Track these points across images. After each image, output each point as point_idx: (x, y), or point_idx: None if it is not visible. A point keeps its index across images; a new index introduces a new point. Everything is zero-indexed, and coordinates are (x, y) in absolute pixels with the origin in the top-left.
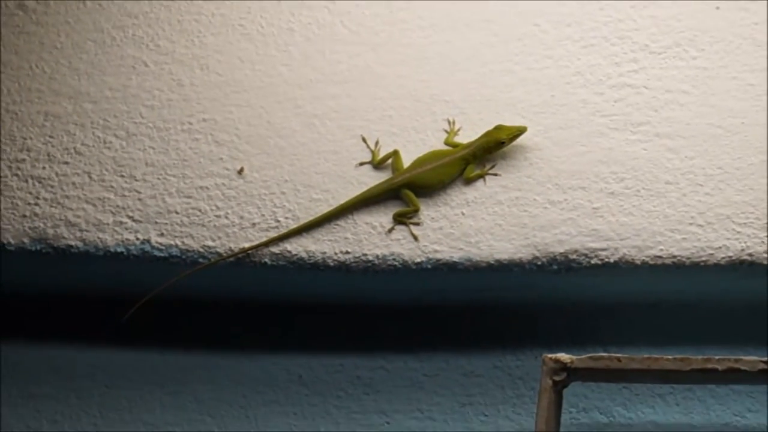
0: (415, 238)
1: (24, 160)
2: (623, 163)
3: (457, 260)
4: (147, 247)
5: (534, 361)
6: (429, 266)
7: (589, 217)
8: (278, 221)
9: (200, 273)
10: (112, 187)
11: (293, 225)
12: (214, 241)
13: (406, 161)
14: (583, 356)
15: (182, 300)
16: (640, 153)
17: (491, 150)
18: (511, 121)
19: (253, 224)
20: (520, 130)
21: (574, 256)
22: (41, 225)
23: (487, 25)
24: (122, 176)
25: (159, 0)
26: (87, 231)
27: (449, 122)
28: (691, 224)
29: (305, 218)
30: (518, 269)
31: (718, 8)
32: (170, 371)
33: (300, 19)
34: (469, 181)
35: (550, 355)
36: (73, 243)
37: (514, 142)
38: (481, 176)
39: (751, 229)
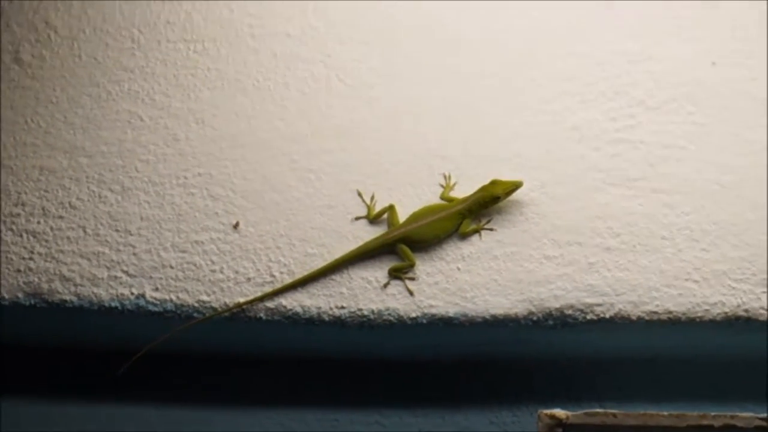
0: (411, 293)
1: (19, 214)
2: (619, 218)
3: (452, 315)
4: (142, 302)
5: (530, 417)
6: (424, 321)
7: (585, 273)
8: (273, 276)
9: (195, 327)
10: (107, 241)
11: (288, 280)
12: (209, 295)
13: (402, 216)
14: (579, 412)
15: (177, 354)
16: (636, 208)
17: (487, 205)
18: (507, 175)
19: (248, 279)
20: (516, 185)
21: (570, 312)
22: (36, 280)
23: (483, 79)
24: (117, 231)
25: (155, 54)
26: (82, 286)
27: (445, 177)
28: (687, 280)
29: (300, 273)
30: (514, 324)
31: (714, 64)
32: (165, 425)
33: (296, 73)
34: (464, 236)
35: (545, 411)
36: (67, 298)
37: (510, 197)
38: (477, 231)
39: (747, 285)
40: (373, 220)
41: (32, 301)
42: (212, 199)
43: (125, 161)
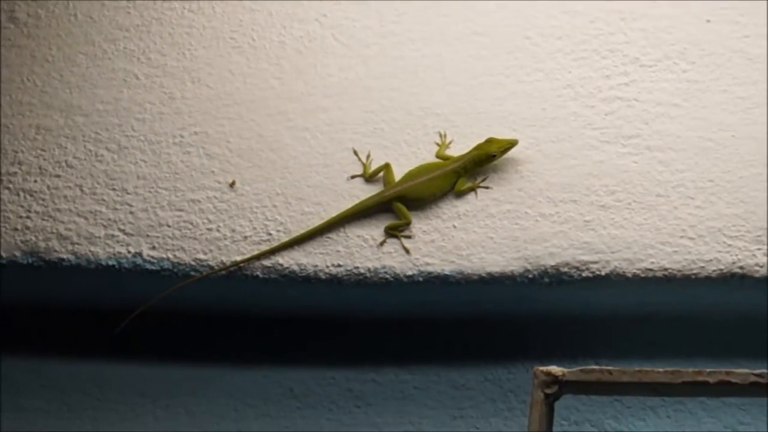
0: (407, 251)
1: (15, 173)
2: (614, 176)
3: (448, 273)
4: (139, 261)
5: (525, 374)
6: (420, 279)
7: (581, 230)
8: (270, 234)
9: (192, 286)
10: (103, 200)
11: (285, 238)
12: (205, 254)
13: (398, 174)
14: (575, 369)
15: (174, 313)
16: (630, 166)
17: (482, 163)
18: (502, 134)
19: (245, 237)
20: (511, 143)
21: (566, 269)
22: (33, 238)
23: (478, 38)
24: (114, 189)
25: (150, 13)
26: (78, 244)
27: (440, 135)
28: (682, 237)
29: (297, 231)
30: (510, 282)
31: (708, 21)
32: (162, 384)
33: (291, 32)
34: (460, 194)
35: (541, 368)
36: (64, 256)
37: (506, 155)
38: (473, 189)
39: (742, 242)
40: (369, 178)
41: (29, 260)
42: (208, 158)
43: (121, 120)
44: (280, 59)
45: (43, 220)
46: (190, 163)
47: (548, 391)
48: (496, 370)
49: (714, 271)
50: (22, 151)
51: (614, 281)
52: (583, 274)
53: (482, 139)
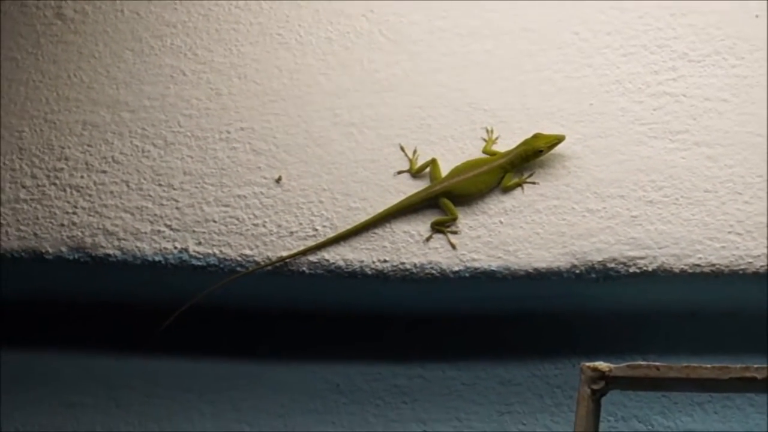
0: (453, 246)
1: (62, 169)
2: (662, 171)
3: (495, 269)
4: (185, 256)
5: (572, 369)
6: (467, 275)
7: (628, 226)
8: (316, 230)
9: (238, 282)
10: (150, 196)
11: (331, 233)
12: (251, 249)
13: (444, 170)
14: (622, 365)
15: (220, 309)
16: (678, 161)
17: (529, 159)
18: (549, 129)
19: (291, 233)
20: (559, 139)
21: (613, 265)
22: (79, 234)
23: (526, 33)
24: (160, 185)
25: (197, 9)
26: (125, 240)
27: (487, 131)
28: (729, 233)
29: (343, 227)
30: (556, 278)
31: (757, 16)
32: (209, 380)
33: (338, 28)
34: (507, 190)
35: (588, 364)
36: (111, 252)
37: (553, 151)
38: (519, 185)
39: None
40: (415, 173)
41: (76, 255)
42: (255, 154)
43: (168, 116)
44: (327, 55)
45: (90, 215)
46: (237, 159)
47: (595, 386)
48: (543, 366)
49: (762, 266)
50: (69, 146)
51: (661, 277)
52: (630, 270)
53: (529, 135)
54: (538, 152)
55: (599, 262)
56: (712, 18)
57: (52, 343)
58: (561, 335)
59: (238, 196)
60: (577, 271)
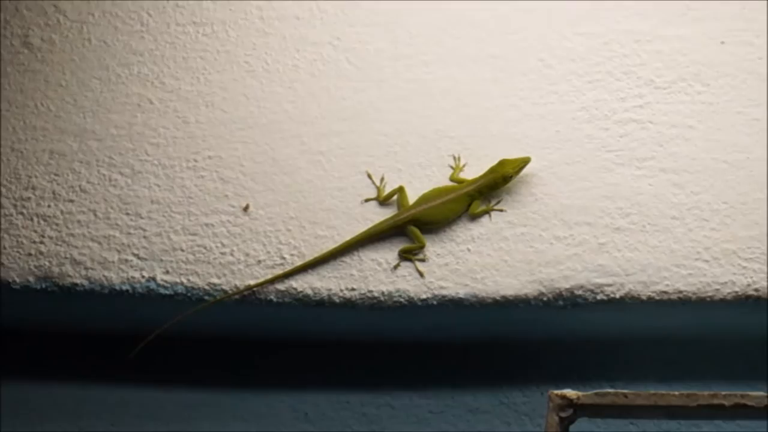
0: (421, 274)
1: (29, 198)
2: (629, 198)
3: (462, 296)
4: (152, 285)
5: (540, 397)
6: (435, 302)
7: (595, 253)
8: (284, 258)
9: (206, 310)
10: (117, 224)
11: (299, 262)
12: (219, 278)
13: (412, 197)
14: (590, 392)
15: (188, 337)
16: (645, 188)
17: (498, 185)
18: (516, 155)
19: (259, 261)
20: (525, 162)
21: (580, 292)
22: (46, 263)
23: (491, 60)
24: (127, 214)
25: (164, 38)
26: (92, 269)
27: (454, 158)
28: (697, 259)
29: (311, 255)
30: (524, 305)
31: (723, 43)
32: (176, 408)
33: (305, 55)
34: (474, 217)
35: (556, 392)
36: (78, 281)
37: (520, 179)
38: (487, 212)
39: (757, 264)
40: (383, 201)
41: (43, 285)
42: (222, 182)
43: (135, 144)
44: (294, 83)
45: (57, 245)
46: (204, 187)
47: (563, 414)
48: (511, 394)
49: (729, 293)
50: (36, 176)
51: (629, 304)
52: (598, 297)
53: (496, 162)
54: (507, 178)
55: (567, 289)
56: (677, 44)
57: (19, 372)
58: (529, 362)
59: (206, 224)
60: (545, 299)
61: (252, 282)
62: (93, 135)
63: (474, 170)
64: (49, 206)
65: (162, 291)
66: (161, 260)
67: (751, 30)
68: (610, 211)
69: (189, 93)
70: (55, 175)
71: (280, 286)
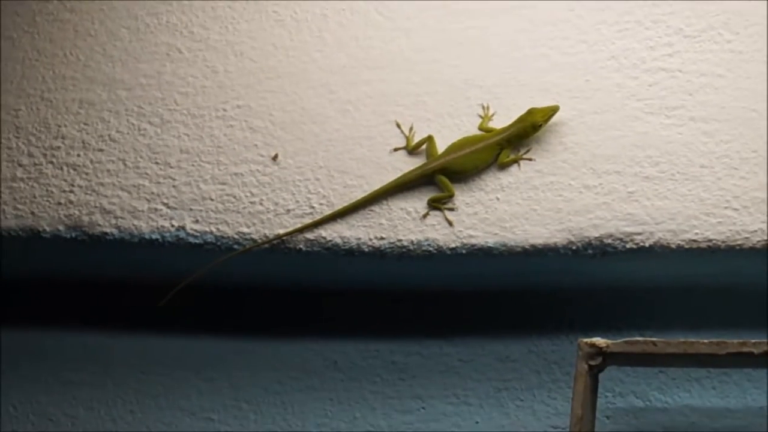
0: (450, 223)
1: (59, 147)
2: (658, 147)
3: (491, 245)
4: (182, 234)
5: (569, 345)
6: (464, 251)
7: (624, 202)
8: (313, 207)
9: (235, 259)
10: (146, 174)
11: (328, 211)
12: (248, 227)
13: (441, 147)
14: (619, 341)
15: (217, 286)
16: (674, 137)
17: (527, 134)
18: (545, 105)
19: (288, 210)
20: (554, 110)
21: (609, 241)
22: (76, 212)
23: (521, 10)
24: (157, 163)
25: None
26: (122, 218)
27: (483, 108)
28: (726, 208)
29: (340, 204)
30: (553, 254)
31: None
32: (206, 357)
33: (333, 5)
34: (503, 167)
35: (585, 340)
36: (108, 230)
37: (549, 127)
38: (516, 161)
39: None
40: (411, 151)
41: (73, 234)
42: (251, 131)
43: (164, 94)
44: (323, 32)
45: (87, 194)
46: (233, 137)
47: (592, 362)
48: (540, 342)
49: (758, 241)
50: (66, 125)
51: (658, 252)
52: (627, 246)
53: (525, 111)
54: (537, 127)
55: (596, 238)
56: None
57: (50, 321)
58: (558, 311)
59: (235, 174)
60: (574, 248)
61: (281, 231)
62: (122, 84)
63: (503, 120)
64: (78, 155)
65: (191, 240)
66: (190, 209)
67: None
68: (639, 160)
69: (218, 42)
70: (85, 124)
71: (309, 236)
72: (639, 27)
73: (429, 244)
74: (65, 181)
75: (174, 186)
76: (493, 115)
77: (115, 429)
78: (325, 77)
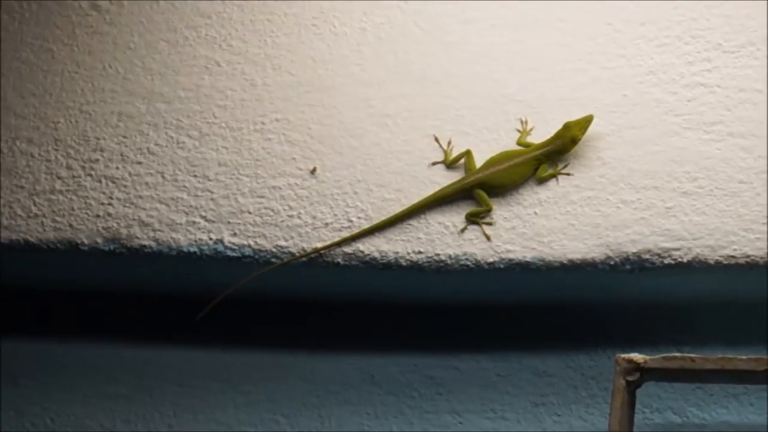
0: (488, 237)
1: (98, 160)
2: (696, 162)
3: (529, 260)
4: (220, 247)
5: (607, 361)
6: (502, 266)
7: (662, 217)
8: (351, 221)
9: (273, 273)
10: (185, 187)
11: (366, 225)
12: (286, 240)
13: (479, 161)
14: (657, 356)
15: (255, 299)
16: (713, 152)
17: (567, 149)
18: (578, 117)
19: (326, 224)
20: (589, 120)
21: (647, 256)
22: (115, 225)
23: (560, 24)
24: (195, 176)
25: (232, 0)
26: (160, 231)
27: (522, 122)
28: (764, 224)
29: (378, 218)
30: (591, 269)
31: None
32: (243, 371)
33: (372, 18)
34: (541, 181)
35: (623, 355)
36: (146, 243)
37: (587, 142)
38: (554, 176)
39: None
40: (450, 165)
41: (111, 246)
42: (289, 144)
43: (203, 107)
44: (361, 46)
45: (125, 206)
46: (272, 150)
47: (630, 378)
48: (577, 357)
49: None
50: (104, 137)
51: (696, 268)
52: (665, 261)
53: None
54: (576, 140)
55: (634, 253)
56: (745, 8)
57: (88, 333)
58: (596, 326)
59: (273, 187)
60: (612, 263)
61: (319, 245)
62: (161, 97)
63: (541, 134)
64: (117, 168)
65: (229, 253)
66: (229, 222)
67: None
68: (677, 175)
69: (256, 55)
70: (124, 137)
71: (348, 249)
72: (678, 42)
73: (467, 259)
74: (104, 193)
75: (212, 199)
76: (531, 129)
77: None
78: (364, 91)
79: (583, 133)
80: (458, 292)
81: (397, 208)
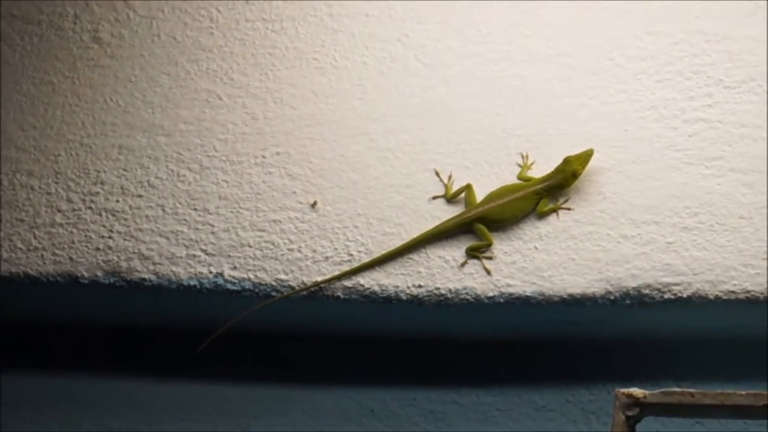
0: (488, 272)
1: (98, 193)
2: (697, 197)
3: (529, 294)
4: (220, 281)
5: (607, 395)
6: (502, 300)
7: (663, 252)
8: (351, 255)
9: (273, 306)
10: (185, 220)
11: (366, 259)
12: (287, 274)
13: (479, 195)
14: (656, 391)
15: (255, 333)
16: (714, 188)
17: (568, 183)
18: (578, 151)
19: (326, 258)
20: (589, 155)
21: (647, 291)
22: (115, 258)
23: (561, 58)
24: (195, 210)
25: (233, 34)
26: (160, 264)
27: (523, 156)
28: (764, 259)
29: (378, 252)
30: (591, 304)
31: None
32: (244, 404)
33: (374, 52)
34: (542, 216)
35: (623, 390)
36: (146, 276)
37: (587, 177)
38: (555, 210)
39: None
40: (450, 199)
41: (111, 280)
42: (290, 178)
43: (203, 140)
44: (362, 80)
45: (125, 239)
46: (272, 184)
47: (630, 413)
48: (577, 392)
49: None
50: (105, 170)
51: (696, 303)
52: (665, 296)
53: (560, 161)
54: (577, 174)
55: (634, 288)
56: (746, 44)
57: (89, 366)
58: (595, 361)
59: (274, 220)
60: (612, 297)
61: (319, 278)
62: (161, 130)
63: (542, 169)
64: (117, 201)
65: (229, 287)
66: (229, 256)
67: None
68: (678, 210)
69: (257, 89)
70: (124, 170)
71: (348, 283)
72: (679, 77)
73: (467, 293)
74: (104, 226)
75: (212, 232)
76: (532, 164)
77: None
78: (365, 125)
79: (584, 167)
80: (458, 326)
81: (397, 242)
